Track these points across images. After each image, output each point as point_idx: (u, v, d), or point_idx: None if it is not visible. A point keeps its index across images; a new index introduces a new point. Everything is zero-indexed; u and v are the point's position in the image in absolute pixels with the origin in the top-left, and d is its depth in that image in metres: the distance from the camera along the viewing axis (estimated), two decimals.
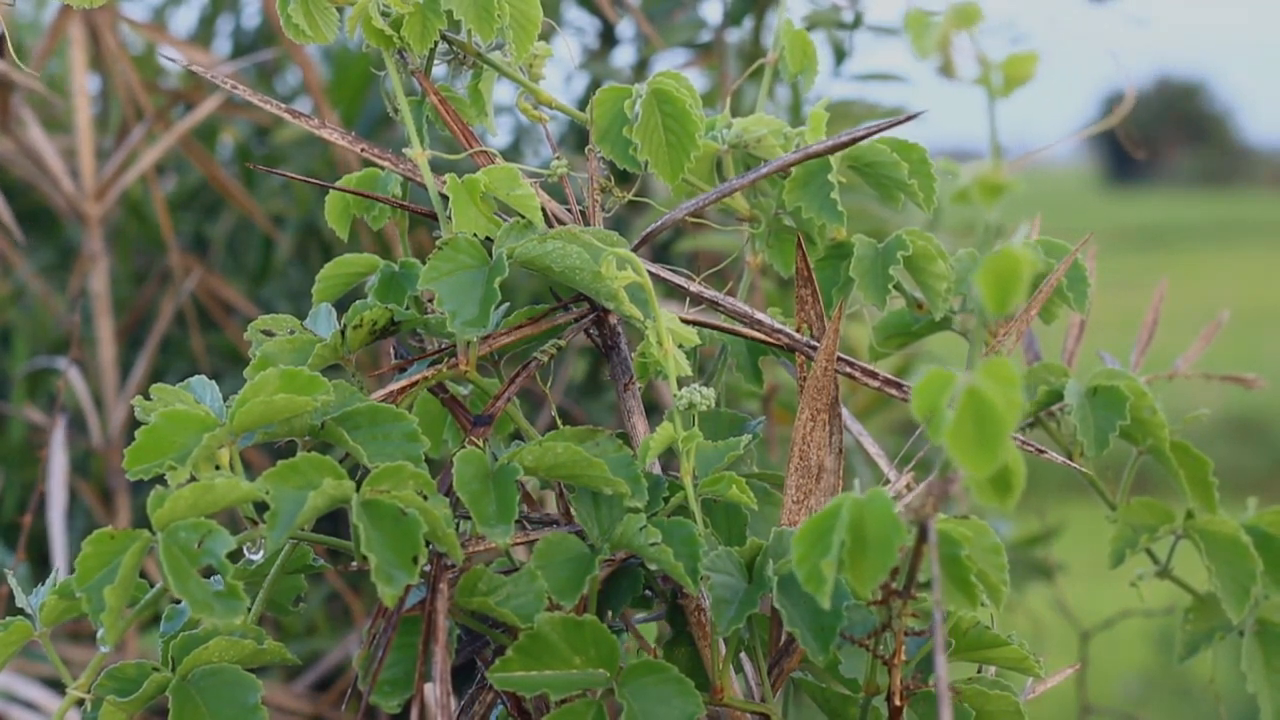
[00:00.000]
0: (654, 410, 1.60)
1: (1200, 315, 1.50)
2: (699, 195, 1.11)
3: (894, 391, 1.10)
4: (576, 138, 2.31)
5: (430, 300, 1.06)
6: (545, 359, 1.07)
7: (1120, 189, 26.42)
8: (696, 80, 2.07)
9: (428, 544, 0.92)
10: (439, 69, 1.13)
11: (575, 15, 2.38)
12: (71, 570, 0.92)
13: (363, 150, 1.09)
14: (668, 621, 1.06)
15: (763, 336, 1.10)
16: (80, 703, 0.98)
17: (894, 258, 1.11)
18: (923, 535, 0.87)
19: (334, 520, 1.05)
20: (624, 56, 2.44)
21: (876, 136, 1.11)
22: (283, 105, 1.10)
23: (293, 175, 1.16)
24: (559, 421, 1.07)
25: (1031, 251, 0.74)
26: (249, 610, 0.99)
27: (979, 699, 1.03)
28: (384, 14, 1.07)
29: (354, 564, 0.97)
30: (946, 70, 0.76)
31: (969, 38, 0.76)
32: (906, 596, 0.92)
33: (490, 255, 1.02)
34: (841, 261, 1.13)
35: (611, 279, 1.01)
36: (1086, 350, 1.28)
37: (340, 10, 1.09)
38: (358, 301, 1.05)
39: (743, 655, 1.07)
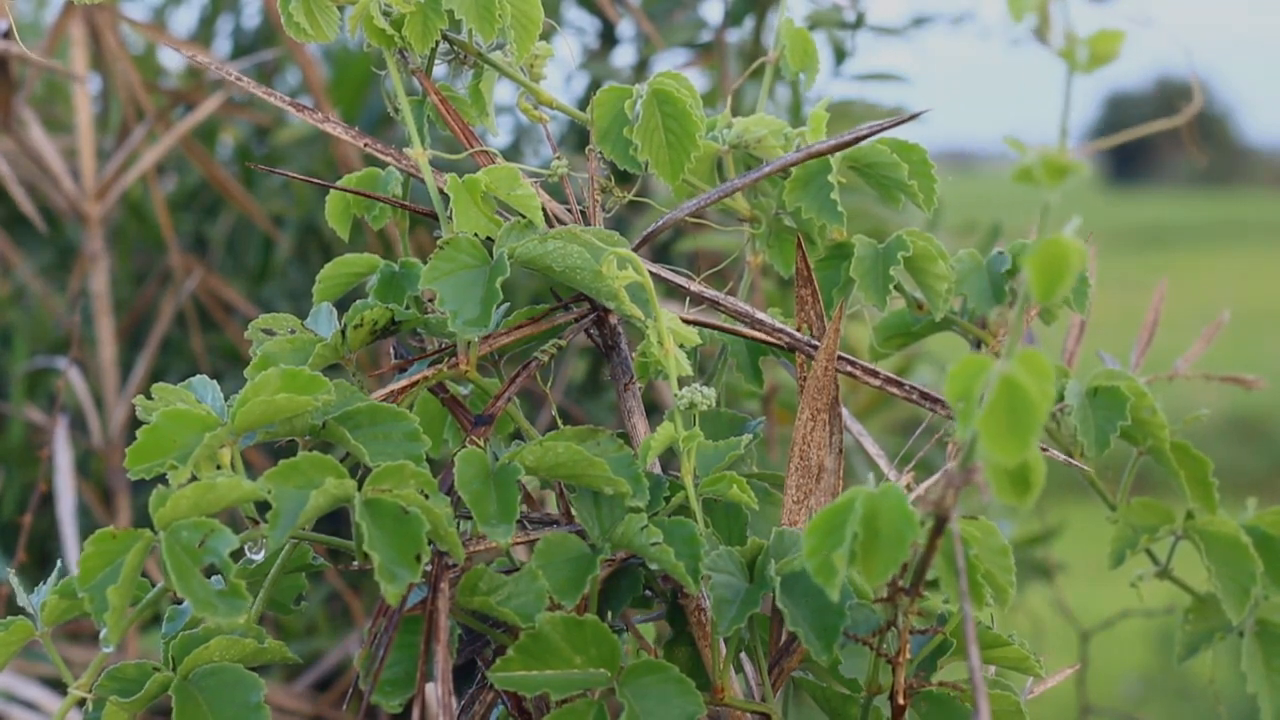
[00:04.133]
0: (654, 410, 1.60)
1: (1200, 315, 1.50)
2: (699, 195, 1.11)
3: (895, 390, 1.10)
4: (577, 138, 2.31)
5: (431, 300, 1.06)
6: (545, 359, 1.07)
7: (1120, 189, 26.43)
8: (697, 80, 2.07)
9: (429, 543, 0.92)
10: (440, 68, 1.13)
11: (575, 15, 2.38)
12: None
13: (366, 145, 1.09)
14: (668, 621, 1.06)
15: (763, 336, 1.10)
16: (81, 703, 0.98)
17: (894, 258, 1.11)
18: (937, 529, 0.86)
19: (334, 520, 1.05)
20: (624, 56, 2.44)
21: (877, 136, 1.12)
22: (285, 98, 1.10)
23: (293, 175, 1.16)
24: (559, 421, 1.07)
25: (1080, 243, 0.74)
26: (251, 609, 0.99)
27: None
28: (385, 13, 1.07)
29: (355, 563, 0.97)
30: (1041, 33, 0.75)
31: (1062, 7, 0.75)
32: (914, 594, 0.92)
33: (491, 255, 1.02)
34: (842, 262, 1.13)
35: (612, 279, 1.01)
36: (1087, 350, 1.28)
37: (341, 9, 1.09)
38: (358, 301, 1.05)
39: (743, 655, 1.07)
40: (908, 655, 0.97)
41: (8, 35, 2.02)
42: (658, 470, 1.05)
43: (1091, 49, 0.76)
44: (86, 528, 2.16)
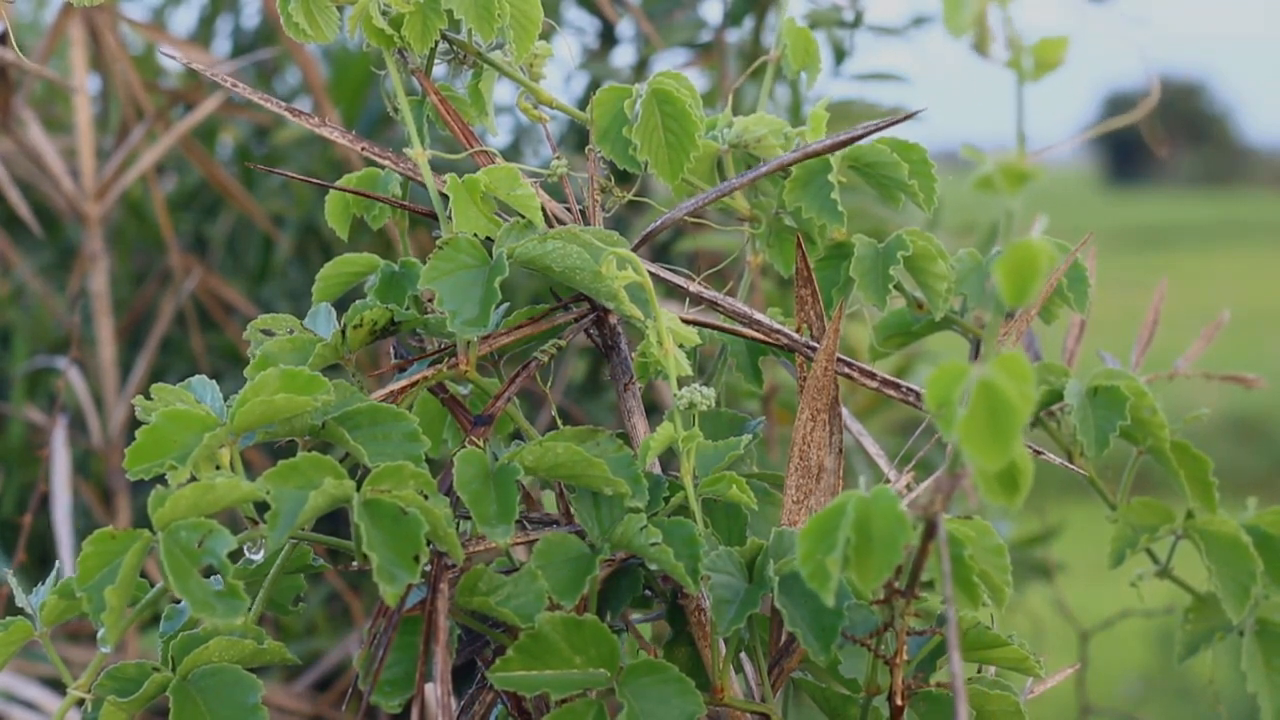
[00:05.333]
0: (654, 410, 1.60)
1: (1200, 315, 1.50)
2: (698, 195, 1.11)
3: (892, 392, 1.10)
4: (576, 138, 2.31)
5: (430, 300, 1.06)
6: (545, 359, 1.07)
7: (1120, 189, 26.42)
8: (696, 80, 2.07)
9: (428, 543, 0.92)
10: (439, 68, 1.13)
11: (575, 15, 2.38)
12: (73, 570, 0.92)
13: (364, 149, 1.09)
14: (668, 621, 1.06)
15: (762, 336, 1.10)
16: (80, 703, 0.98)
17: (894, 258, 1.11)
18: (929, 533, 0.86)
19: (334, 520, 1.05)
20: (624, 56, 2.43)
21: (875, 135, 1.12)
22: (283, 104, 1.10)
23: (293, 175, 1.16)
24: (559, 421, 1.07)
25: (1049, 244, 0.74)
26: (249, 610, 0.99)
27: (979, 699, 1.03)
28: (384, 13, 1.07)
29: (354, 564, 0.97)
30: (980, 47, 0.75)
31: (1002, 19, 0.75)
32: (910, 596, 0.92)
33: (490, 255, 1.02)
34: (842, 261, 1.13)
35: (612, 279, 1.01)
36: (1087, 350, 1.28)
37: (341, 9, 1.09)
38: (358, 301, 1.05)
39: (743, 655, 1.07)
40: (905, 656, 0.97)
41: (4, 40, 2.01)
42: (657, 470, 1.05)
43: (1036, 57, 0.76)
44: (86, 528, 2.16)
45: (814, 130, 1.14)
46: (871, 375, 1.09)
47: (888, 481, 1.08)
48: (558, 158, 1.12)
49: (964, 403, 0.76)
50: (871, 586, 0.86)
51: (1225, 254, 15.33)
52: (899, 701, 0.98)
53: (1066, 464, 1.17)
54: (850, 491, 0.86)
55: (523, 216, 1.05)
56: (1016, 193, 0.75)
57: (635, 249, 1.04)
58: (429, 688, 0.98)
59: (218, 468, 0.95)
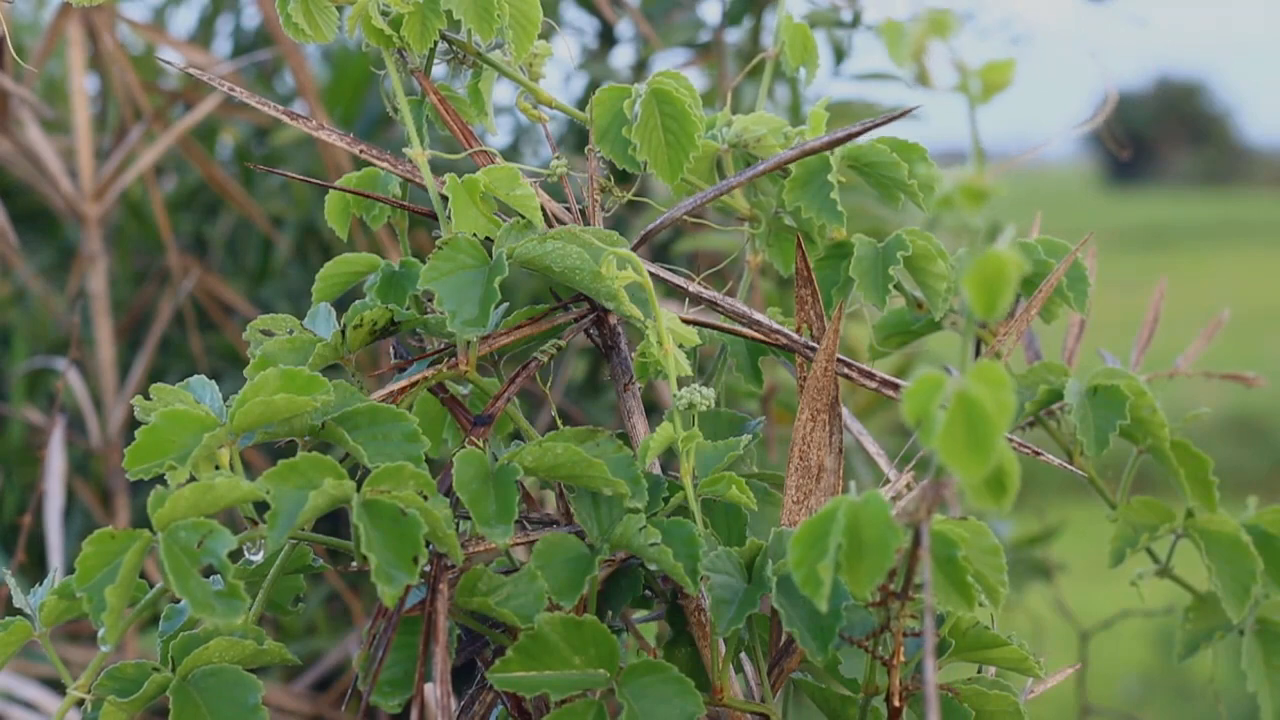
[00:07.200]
0: (654, 410, 1.60)
1: (1200, 315, 1.50)
2: (698, 194, 1.11)
3: (891, 392, 1.10)
4: (576, 138, 2.31)
5: (430, 300, 1.06)
6: (545, 359, 1.07)
7: (1120, 189, 26.41)
8: (696, 80, 2.07)
9: (428, 544, 0.92)
10: (439, 68, 1.13)
11: (574, 15, 2.38)
12: (69, 570, 0.92)
13: (361, 151, 1.09)
14: (668, 621, 1.06)
15: (762, 336, 1.10)
16: (80, 703, 0.98)
17: (894, 257, 1.11)
18: (917, 538, 0.87)
19: (334, 520, 1.05)
20: (623, 56, 2.44)
21: (872, 134, 1.11)
22: (279, 106, 1.10)
23: (292, 175, 1.16)
24: (559, 421, 1.07)
25: (1019, 252, 0.74)
26: (249, 610, 0.99)
27: (979, 699, 1.03)
28: (384, 13, 1.07)
29: (354, 564, 0.97)
30: (922, 79, 0.76)
31: (946, 45, 0.75)
32: (904, 598, 0.92)
33: (490, 255, 1.02)
34: (841, 261, 1.13)
35: (611, 279, 1.01)
36: (1087, 350, 1.28)
37: (340, 9, 1.09)
38: (357, 301, 1.05)
39: (743, 655, 1.07)
40: (902, 657, 0.97)
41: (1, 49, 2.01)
42: (657, 471, 1.05)
43: (984, 80, 0.77)
44: (86, 528, 2.16)
45: (814, 129, 1.14)
46: (871, 375, 1.09)
47: (887, 482, 1.08)
48: (558, 158, 1.12)
49: (944, 411, 0.76)
50: (864, 591, 0.86)
51: (1225, 254, 15.33)
52: (896, 702, 0.98)
53: (1066, 464, 1.17)
54: (841, 497, 0.86)
55: (523, 216, 1.05)
56: (976, 210, 0.76)
57: (635, 249, 1.04)
58: (429, 688, 0.98)
59: (217, 468, 0.95)
